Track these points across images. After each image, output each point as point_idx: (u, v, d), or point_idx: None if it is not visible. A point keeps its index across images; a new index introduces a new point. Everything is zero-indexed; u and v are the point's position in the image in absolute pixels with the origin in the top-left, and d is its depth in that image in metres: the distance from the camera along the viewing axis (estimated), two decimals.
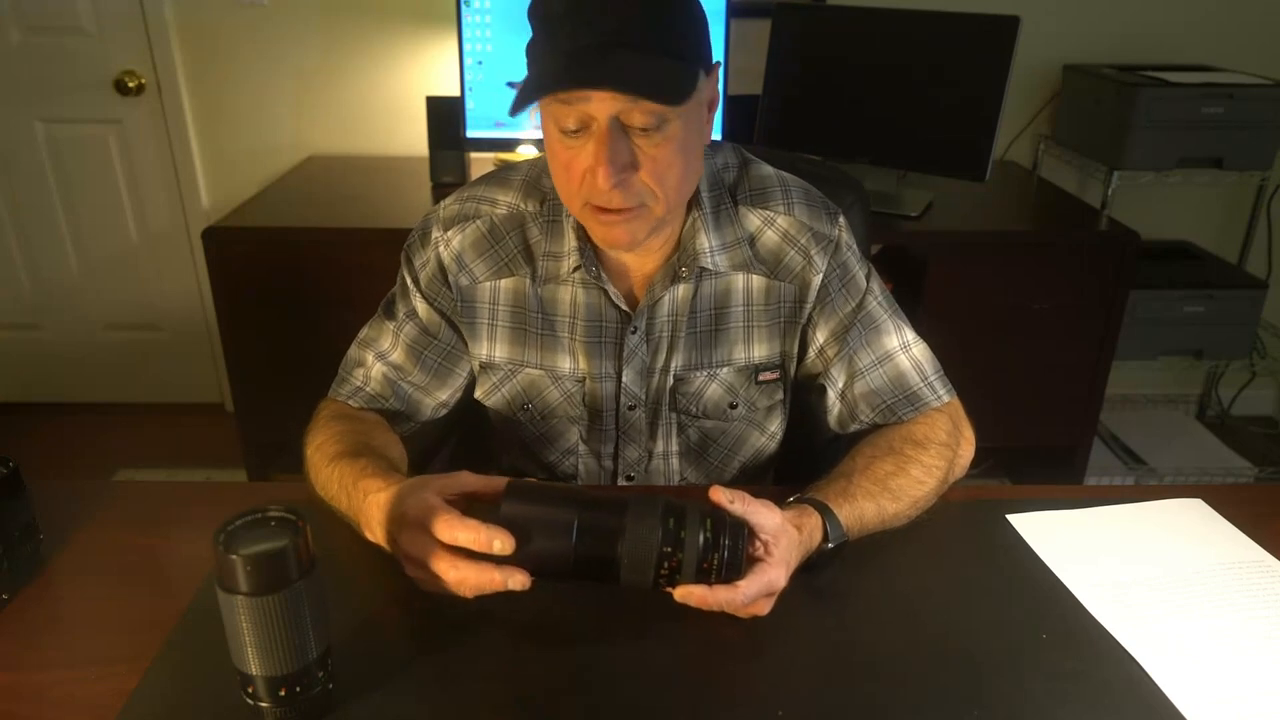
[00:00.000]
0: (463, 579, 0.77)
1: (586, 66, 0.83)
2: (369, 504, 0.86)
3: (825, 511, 0.89)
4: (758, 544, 0.80)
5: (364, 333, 1.10)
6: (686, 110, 0.89)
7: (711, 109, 0.96)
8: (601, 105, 0.84)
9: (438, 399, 1.09)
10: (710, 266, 1.02)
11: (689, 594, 0.77)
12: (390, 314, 1.08)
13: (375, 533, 0.85)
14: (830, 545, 0.88)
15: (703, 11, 0.90)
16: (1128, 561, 0.92)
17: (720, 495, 0.80)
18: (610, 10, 0.83)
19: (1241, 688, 0.76)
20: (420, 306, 1.06)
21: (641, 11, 0.84)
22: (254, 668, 0.67)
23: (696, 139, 0.93)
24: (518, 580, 0.76)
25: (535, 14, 0.87)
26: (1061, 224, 2.24)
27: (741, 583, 0.78)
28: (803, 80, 2.17)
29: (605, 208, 0.90)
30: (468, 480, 0.83)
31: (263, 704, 0.69)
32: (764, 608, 0.81)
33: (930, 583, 0.89)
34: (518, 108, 0.86)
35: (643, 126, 0.86)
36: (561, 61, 0.84)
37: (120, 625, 0.82)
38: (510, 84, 2.19)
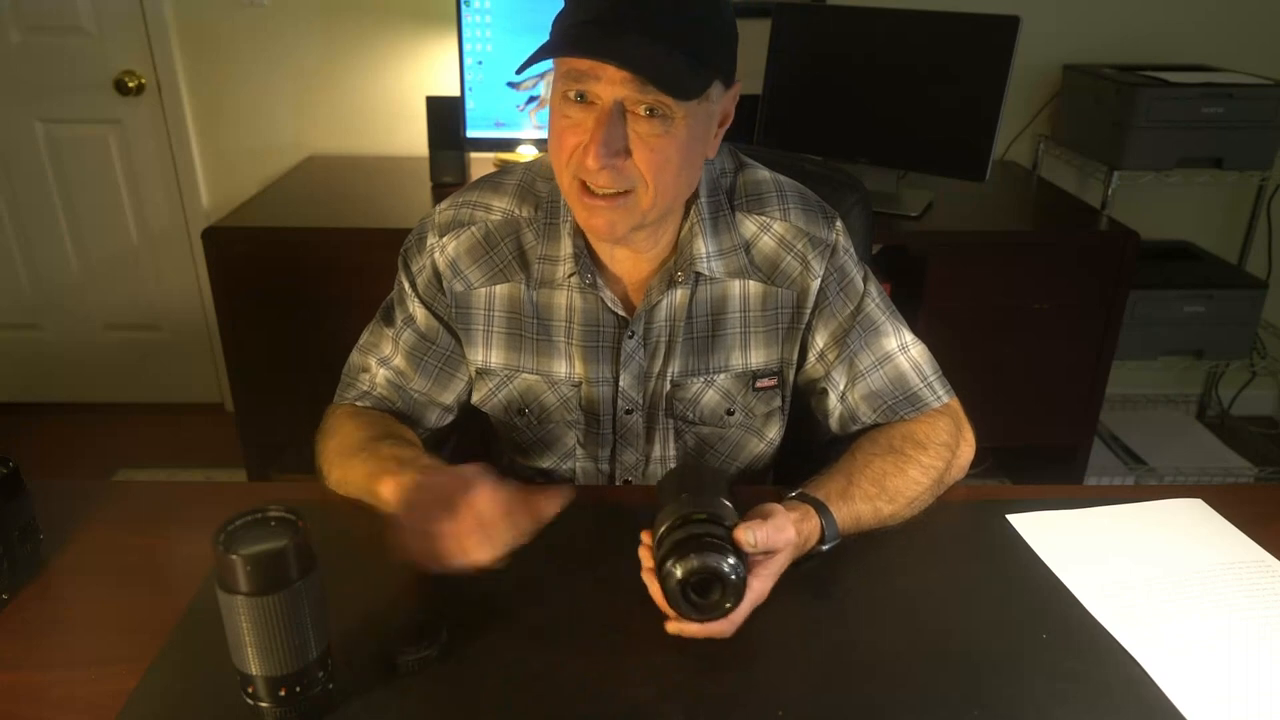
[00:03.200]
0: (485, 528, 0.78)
1: (597, 39, 0.83)
2: (401, 476, 0.87)
3: (824, 513, 0.90)
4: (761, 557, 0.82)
5: (364, 338, 1.10)
6: (694, 113, 0.88)
7: (722, 125, 0.95)
8: (610, 87, 0.84)
9: (441, 404, 1.09)
10: (706, 272, 1.02)
11: (682, 629, 0.79)
12: (389, 320, 1.08)
13: (393, 497, 0.86)
14: (824, 548, 0.89)
15: (734, 27, 0.89)
16: (1128, 561, 0.92)
17: (744, 538, 0.79)
18: None
19: (1241, 688, 0.76)
20: (418, 312, 1.06)
21: (672, 5, 0.84)
22: (254, 668, 0.67)
23: (699, 147, 0.93)
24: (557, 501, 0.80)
25: None
26: (1061, 224, 2.24)
27: (740, 610, 0.79)
28: (803, 80, 2.17)
29: (591, 188, 0.90)
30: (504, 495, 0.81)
31: (263, 704, 0.69)
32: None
33: (930, 583, 0.89)
34: (524, 66, 0.86)
35: (646, 113, 0.86)
36: (575, 31, 0.84)
37: (120, 625, 0.82)
38: (511, 84, 2.19)
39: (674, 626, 0.79)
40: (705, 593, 0.77)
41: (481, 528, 0.78)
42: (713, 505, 0.81)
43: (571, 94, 0.87)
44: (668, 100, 0.85)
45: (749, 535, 0.79)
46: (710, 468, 0.90)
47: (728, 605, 0.77)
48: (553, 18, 0.89)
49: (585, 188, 0.90)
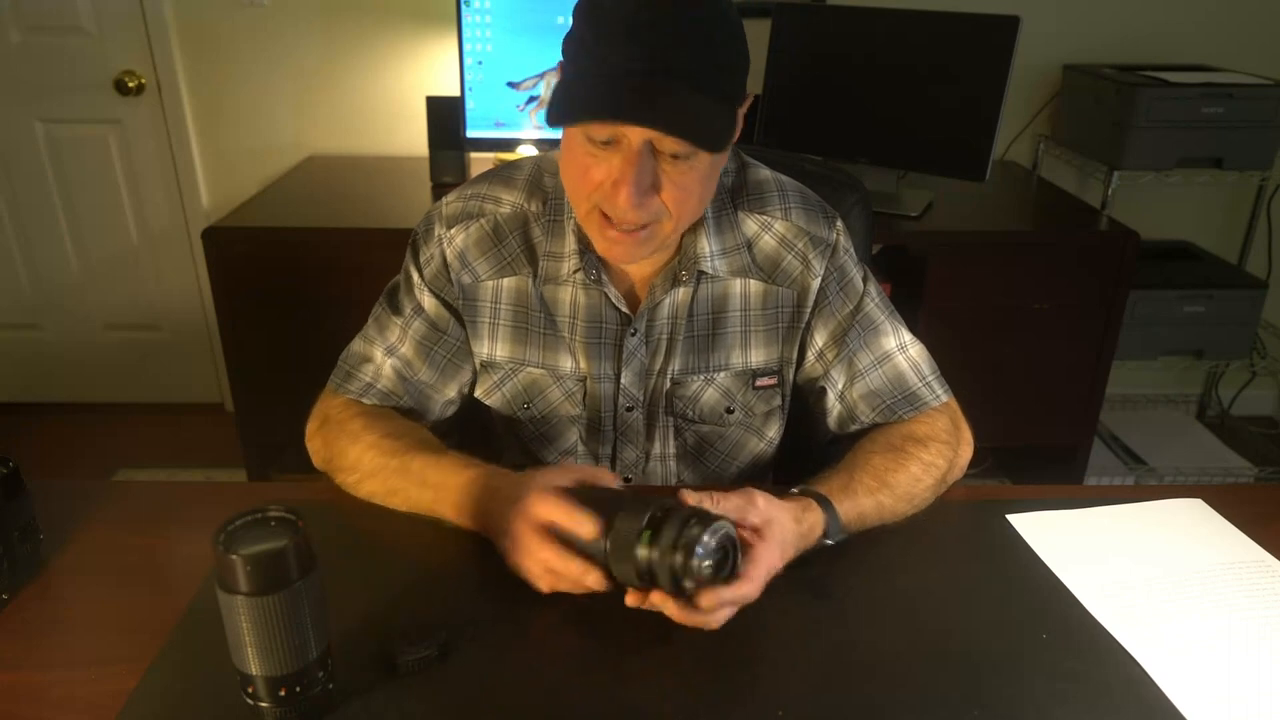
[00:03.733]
0: (553, 584, 0.82)
1: (639, 99, 0.81)
2: (471, 484, 0.91)
3: (827, 507, 0.90)
4: (746, 532, 0.82)
5: (369, 326, 1.08)
6: None
7: (733, 139, 0.95)
8: (639, 130, 0.84)
9: (446, 396, 1.09)
10: (710, 270, 1.02)
11: (712, 600, 0.77)
12: (396, 309, 1.07)
13: (465, 517, 0.91)
14: (830, 542, 0.89)
15: (748, 53, 0.89)
16: (1127, 561, 0.92)
17: (690, 498, 0.81)
18: (670, 41, 0.81)
19: (1241, 688, 0.76)
20: (428, 302, 1.06)
21: (701, 48, 0.83)
22: (254, 668, 0.67)
23: (717, 168, 0.94)
24: (595, 579, 0.80)
25: (587, 18, 0.84)
26: (1061, 224, 2.24)
27: (748, 572, 0.78)
28: (803, 80, 2.17)
29: (615, 220, 0.90)
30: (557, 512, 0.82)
31: (263, 704, 0.69)
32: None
33: (930, 583, 0.89)
34: (562, 121, 0.85)
35: (674, 154, 0.86)
36: (613, 87, 0.82)
37: (120, 625, 0.82)
38: (511, 84, 2.19)
39: (714, 601, 0.77)
40: (720, 566, 0.77)
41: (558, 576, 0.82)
42: (647, 504, 0.79)
43: (601, 136, 0.86)
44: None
45: (692, 496, 0.81)
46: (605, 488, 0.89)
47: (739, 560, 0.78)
48: (556, 25, 0.88)
49: (606, 217, 0.91)
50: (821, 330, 1.07)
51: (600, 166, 0.88)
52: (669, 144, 0.85)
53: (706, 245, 1.01)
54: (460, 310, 1.06)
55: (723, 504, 0.82)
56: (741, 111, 0.92)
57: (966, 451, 1.06)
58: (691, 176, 0.88)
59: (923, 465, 0.98)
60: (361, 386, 1.05)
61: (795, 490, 0.92)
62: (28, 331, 2.79)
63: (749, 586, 0.78)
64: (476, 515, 0.90)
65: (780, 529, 0.83)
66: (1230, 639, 0.81)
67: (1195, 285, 2.34)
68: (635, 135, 0.84)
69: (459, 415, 1.13)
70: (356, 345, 1.08)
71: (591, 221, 0.93)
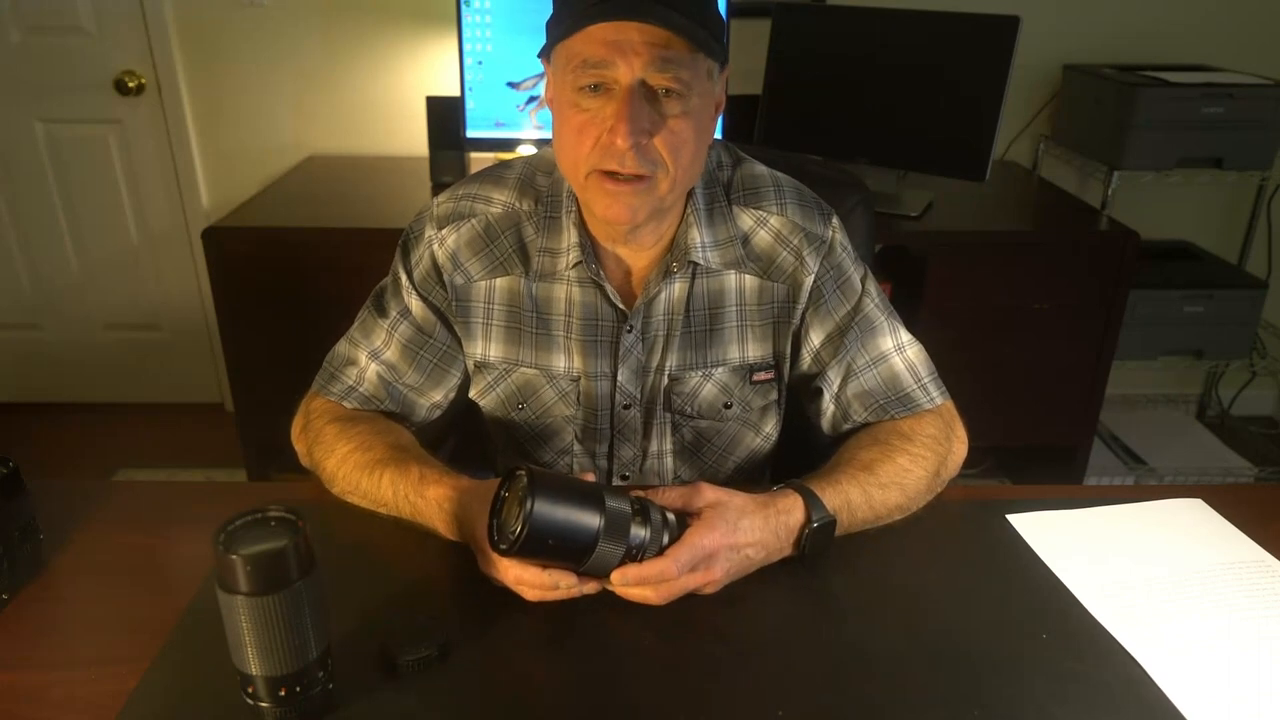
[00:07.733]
0: (536, 596, 0.82)
1: (633, 5, 0.83)
2: (445, 502, 0.91)
3: (805, 491, 0.90)
4: (691, 519, 0.85)
5: (354, 329, 1.08)
6: (704, 92, 0.90)
7: (718, 110, 0.96)
8: (629, 69, 0.85)
9: (432, 400, 1.09)
10: (701, 261, 1.02)
11: (624, 576, 0.81)
12: (383, 311, 1.07)
13: (446, 530, 0.91)
14: (816, 524, 0.88)
15: (722, 14, 0.92)
16: (1128, 561, 0.92)
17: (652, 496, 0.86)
18: None
19: (1241, 688, 0.76)
20: (415, 304, 1.06)
21: None
22: (254, 668, 0.67)
23: (708, 127, 0.94)
24: (577, 588, 0.81)
25: None
26: (1061, 224, 2.24)
27: (670, 550, 0.82)
28: (803, 80, 2.17)
29: (616, 172, 0.90)
30: None
31: (263, 704, 0.69)
32: (717, 573, 0.83)
33: (930, 583, 0.89)
34: (559, 34, 0.87)
35: (667, 89, 0.87)
36: (599, 5, 0.84)
37: (120, 625, 0.82)
38: (511, 84, 2.19)
39: (617, 577, 0.82)
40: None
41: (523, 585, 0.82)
42: (621, 493, 0.82)
43: (587, 85, 0.87)
44: (685, 76, 0.86)
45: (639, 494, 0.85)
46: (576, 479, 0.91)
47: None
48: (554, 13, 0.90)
49: (606, 176, 0.91)
50: (818, 329, 1.07)
51: (594, 122, 0.89)
52: (660, 78, 0.86)
53: (698, 236, 1.01)
54: (451, 312, 1.06)
55: (667, 495, 0.86)
56: (721, 76, 0.95)
57: (960, 449, 1.06)
58: (684, 123, 0.89)
59: (910, 457, 0.98)
60: (344, 389, 1.06)
61: (774, 488, 0.92)
62: (28, 331, 2.79)
63: (664, 564, 0.81)
64: (453, 530, 0.91)
65: (728, 512, 0.85)
66: (1230, 639, 0.81)
67: (1195, 285, 2.34)
68: (625, 76, 0.86)
69: (455, 417, 1.13)
70: (342, 347, 1.08)
71: (591, 184, 0.92)
